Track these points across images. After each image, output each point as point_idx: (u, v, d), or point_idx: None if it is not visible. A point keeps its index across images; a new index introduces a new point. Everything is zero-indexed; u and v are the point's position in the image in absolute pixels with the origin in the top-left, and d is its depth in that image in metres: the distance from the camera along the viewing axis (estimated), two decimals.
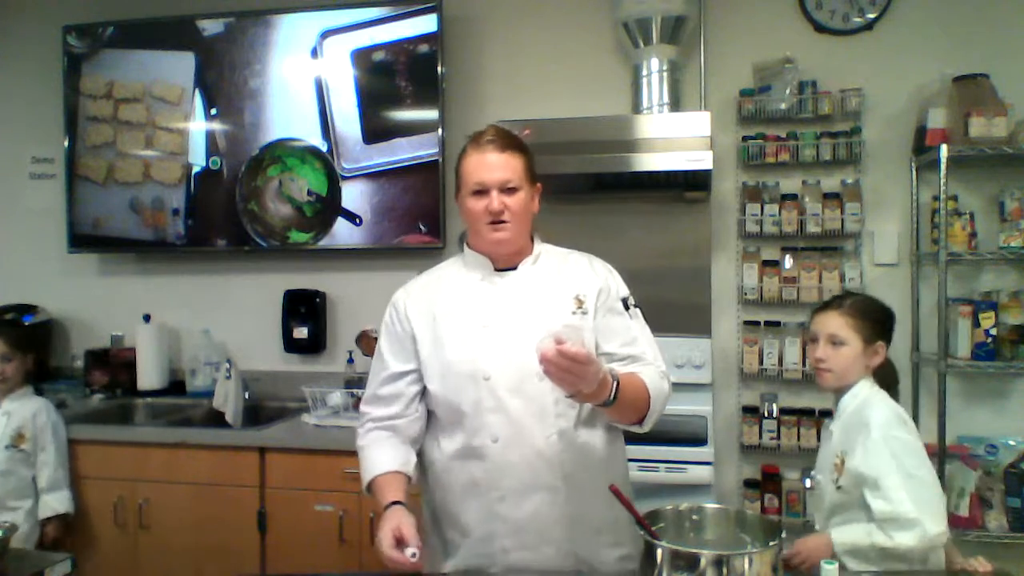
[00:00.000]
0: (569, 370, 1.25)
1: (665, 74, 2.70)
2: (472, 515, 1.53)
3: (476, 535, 1.53)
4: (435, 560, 1.60)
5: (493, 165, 1.53)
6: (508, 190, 1.52)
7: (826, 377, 1.73)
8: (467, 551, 1.54)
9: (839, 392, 1.74)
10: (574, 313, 1.54)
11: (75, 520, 2.56)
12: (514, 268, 1.60)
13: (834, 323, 1.72)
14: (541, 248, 1.65)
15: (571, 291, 1.57)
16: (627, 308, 1.60)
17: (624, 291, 1.63)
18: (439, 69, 2.92)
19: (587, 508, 1.53)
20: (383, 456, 1.56)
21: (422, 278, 1.69)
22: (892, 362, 1.79)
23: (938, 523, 1.50)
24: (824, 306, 1.79)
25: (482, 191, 1.53)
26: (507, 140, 1.56)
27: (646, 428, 1.52)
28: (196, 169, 3.12)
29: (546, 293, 1.56)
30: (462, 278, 1.62)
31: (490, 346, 1.52)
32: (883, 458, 1.55)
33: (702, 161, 2.39)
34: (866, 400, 1.68)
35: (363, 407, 1.65)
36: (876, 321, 1.73)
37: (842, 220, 2.66)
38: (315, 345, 3.09)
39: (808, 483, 1.83)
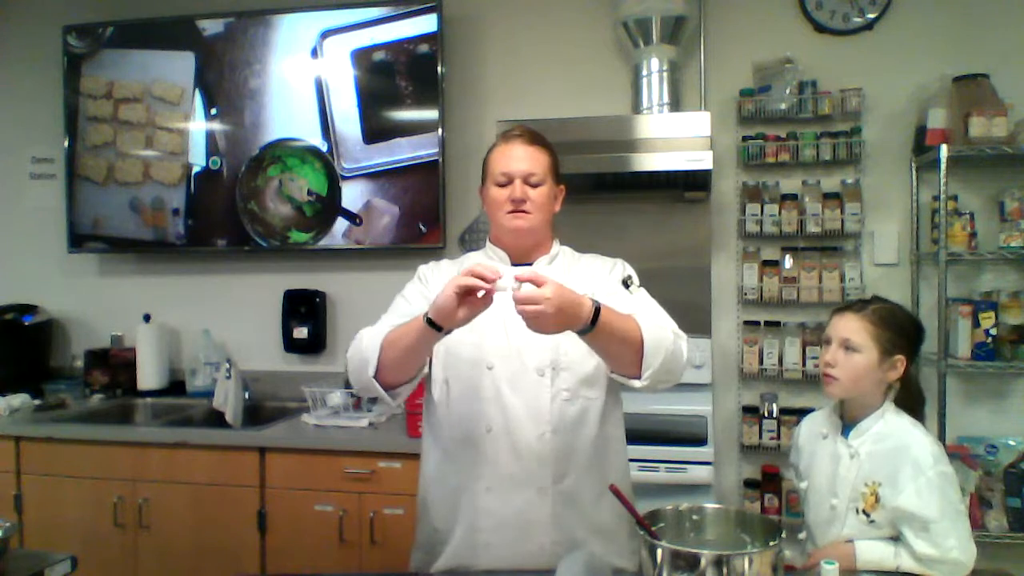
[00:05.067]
0: (533, 292, 1.24)
1: (665, 74, 2.70)
2: (458, 505, 1.54)
3: (461, 526, 1.53)
4: (423, 550, 1.60)
5: (519, 156, 1.55)
6: (532, 183, 1.54)
7: (832, 384, 1.59)
8: (453, 543, 1.54)
9: (852, 408, 1.61)
10: None
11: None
12: (530, 263, 1.61)
13: (851, 327, 1.57)
14: (559, 249, 1.67)
15: (580, 290, 1.56)
16: (627, 287, 1.58)
17: (626, 273, 1.62)
18: (439, 69, 2.92)
19: (575, 513, 1.52)
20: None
21: (448, 261, 1.72)
22: (919, 383, 1.66)
23: (973, 553, 1.46)
24: (844, 307, 1.63)
25: (506, 181, 1.54)
26: (535, 136, 1.60)
27: (647, 379, 1.41)
28: (196, 169, 3.12)
29: None
30: None
31: (497, 336, 1.53)
32: (935, 499, 1.46)
33: (702, 161, 2.40)
34: (900, 427, 1.56)
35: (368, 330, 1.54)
36: (899, 332, 1.57)
37: (842, 220, 2.66)
38: (315, 345, 3.10)
39: (803, 485, 1.71)
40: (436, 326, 1.35)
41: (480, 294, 1.30)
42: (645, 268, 1.73)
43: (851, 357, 1.57)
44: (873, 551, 1.50)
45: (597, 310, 1.32)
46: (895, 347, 1.57)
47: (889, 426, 1.57)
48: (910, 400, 1.63)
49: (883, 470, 1.52)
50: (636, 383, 1.44)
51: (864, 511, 1.53)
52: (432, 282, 1.62)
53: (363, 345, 1.48)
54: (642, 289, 1.61)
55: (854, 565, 1.49)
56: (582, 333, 1.34)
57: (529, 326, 1.29)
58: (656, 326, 1.45)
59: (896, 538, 1.51)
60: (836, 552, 1.50)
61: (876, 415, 1.58)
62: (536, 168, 1.55)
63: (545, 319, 1.26)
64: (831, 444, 1.63)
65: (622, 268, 1.65)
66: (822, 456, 1.65)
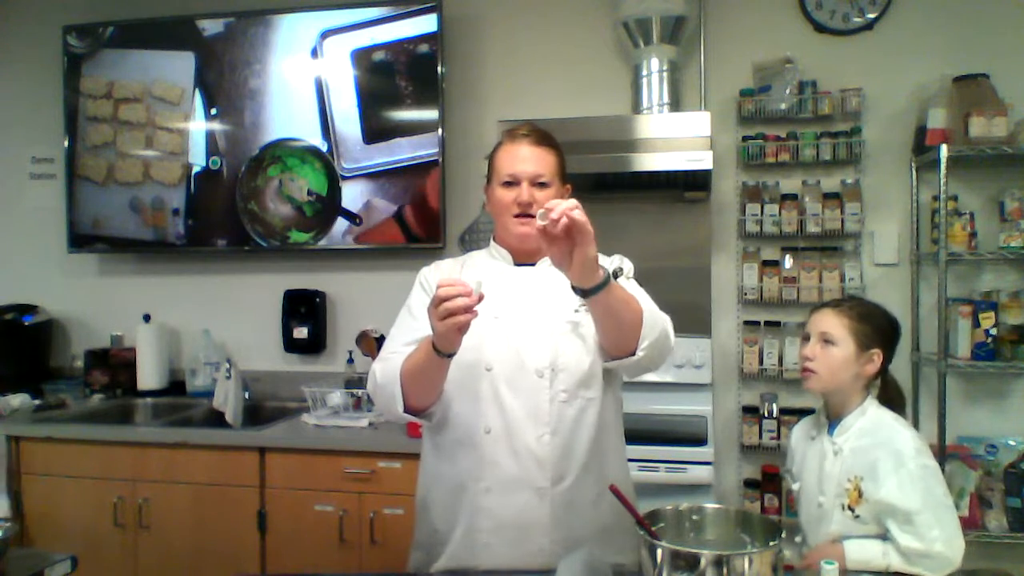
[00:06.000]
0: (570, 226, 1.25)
1: (665, 74, 2.70)
2: (458, 506, 1.53)
3: (461, 527, 1.53)
4: (422, 550, 1.60)
5: (527, 158, 1.54)
6: (539, 184, 1.53)
7: (811, 378, 1.63)
8: (453, 543, 1.54)
9: (835, 406, 1.64)
10: (577, 311, 1.53)
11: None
12: (532, 264, 1.61)
13: (829, 322, 1.63)
14: None
15: None
16: (616, 277, 1.55)
17: (618, 265, 1.60)
18: (439, 69, 2.92)
19: (574, 514, 1.51)
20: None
21: (450, 260, 1.70)
22: (897, 382, 1.69)
23: (960, 549, 1.47)
24: (823, 304, 1.70)
25: (513, 183, 1.54)
26: (542, 136, 1.58)
27: (644, 350, 1.42)
28: (196, 169, 3.12)
29: (555, 290, 1.55)
30: (485, 267, 1.62)
31: (497, 337, 1.52)
32: (918, 491, 1.47)
33: (702, 161, 2.40)
34: (881, 422, 1.59)
35: (381, 357, 1.55)
36: (875, 328, 1.62)
37: (842, 220, 2.66)
38: (315, 345, 3.09)
39: (795, 487, 1.76)
40: (446, 353, 1.37)
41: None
42: (645, 268, 1.73)
43: (828, 350, 1.61)
44: (862, 551, 1.51)
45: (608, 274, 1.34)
46: (871, 341, 1.61)
47: (871, 421, 1.60)
48: (891, 398, 1.66)
49: (864, 464, 1.54)
50: (630, 360, 1.44)
51: (849, 507, 1.55)
52: (435, 286, 1.61)
53: (381, 382, 1.49)
54: (632, 280, 1.60)
55: (844, 565, 1.49)
56: (597, 289, 1.33)
57: (576, 237, 1.28)
58: (649, 306, 1.47)
59: (885, 536, 1.52)
60: (826, 553, 1.50)
61: (858, 411, 1.61)
62: (543, 169, 1.54)
63: (587, 234, 1.27)
64: (818, 443, 1.67)
65: (619, 260, 1.64)
66: (811, 457, 1.68)
